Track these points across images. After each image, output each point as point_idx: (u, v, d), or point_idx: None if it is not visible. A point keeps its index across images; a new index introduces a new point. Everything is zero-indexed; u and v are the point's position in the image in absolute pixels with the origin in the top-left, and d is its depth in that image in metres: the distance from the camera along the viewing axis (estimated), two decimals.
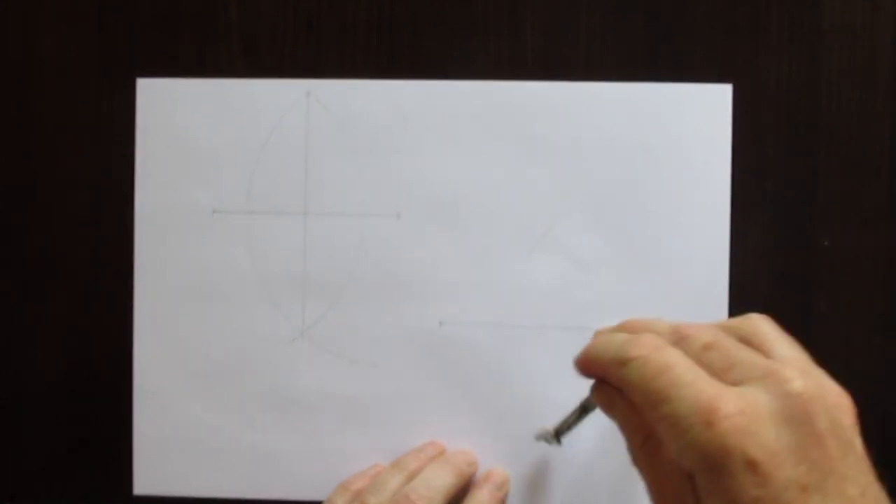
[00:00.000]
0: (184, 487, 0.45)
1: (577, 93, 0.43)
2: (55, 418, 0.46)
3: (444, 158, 0.44)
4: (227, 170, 0.45)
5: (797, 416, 0.25)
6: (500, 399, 0.44)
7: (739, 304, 0.43)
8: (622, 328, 0.33)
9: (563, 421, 0.38)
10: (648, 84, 0.43)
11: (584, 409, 0.37)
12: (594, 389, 0.32)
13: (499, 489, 0.43)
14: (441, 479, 0.41)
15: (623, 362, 0.28)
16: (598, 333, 0.33)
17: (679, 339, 0.29)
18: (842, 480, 0.25)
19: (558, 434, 0.39)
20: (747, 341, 0.29)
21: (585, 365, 0.32)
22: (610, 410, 0.31)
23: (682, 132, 0.43)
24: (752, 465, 0.24)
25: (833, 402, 0.26)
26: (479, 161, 0.44)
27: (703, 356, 0.28)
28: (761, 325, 0.30)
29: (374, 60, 0.44)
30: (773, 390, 0.26)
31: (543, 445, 0.40)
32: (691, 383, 0.26)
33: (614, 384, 0.30)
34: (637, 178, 0.43)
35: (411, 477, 0.42)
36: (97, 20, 0.45)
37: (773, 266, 0.43)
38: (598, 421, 0.43)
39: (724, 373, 0.27)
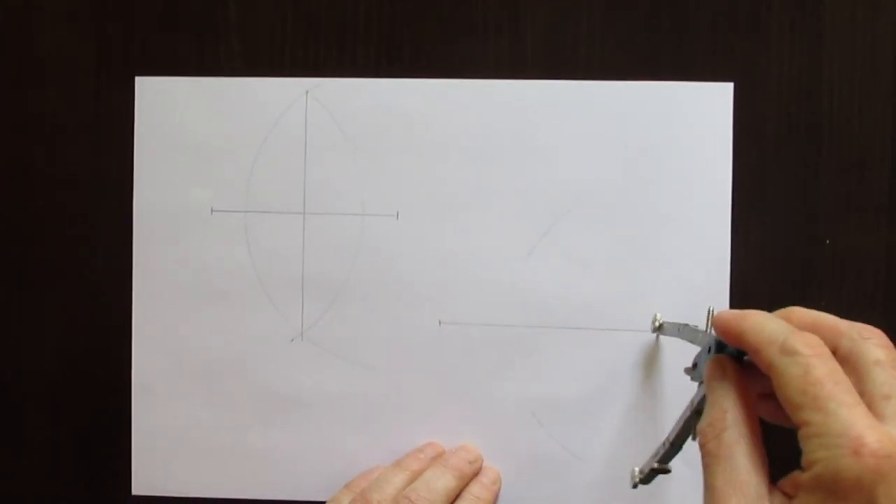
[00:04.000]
0: (182, 487, 0.45)
1: (577, 92, 0.43)
2: (54, 418, 0.46)
3: (443, 158, 0.44)
4: (225, 168, 0.44)
5: None
6: (500, 399, 0.44)
7: (741, 303, 0.43)
8: (782, 314, 0.32)
9: (656, 456, 0.37)
10: (649, 83, 0.43)
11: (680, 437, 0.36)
12: (713, 359, 0.32)
13: (493, 483, 0.43)
14: (442, 481, 0.41)
15: (785, 351, 0.28)
16: (752, 313, 0.32)
17: (855, 335, 0.29)
18: None
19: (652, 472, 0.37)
20: None
21: (731, 329, 0.31)
22: (716, 380, 0.31)
23: (684, 131, 0.43)
24: None
25: None
26: (479, 161, 0.44)
27: (871, 369, 0.28)
28: None
29: (373, 59, 0.44)
30: None
31: (540, 447, 0.42)
32: (850, 406, 0.26)
33: (761, 363, 0.29)
34: (638, 178, 0.43)
35: (413, 476, 0.42)
36: (96, 18, 0.45)
37: (775, 265, 0.43)
38: (598, 423, 0.43)
39: (880, 399, 0.27)
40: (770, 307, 0.42)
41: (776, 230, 0.43)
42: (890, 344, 0.29)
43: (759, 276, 0.43)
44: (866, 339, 0.29)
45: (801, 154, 0.43)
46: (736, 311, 0.32)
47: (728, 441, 0.29)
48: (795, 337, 0.28)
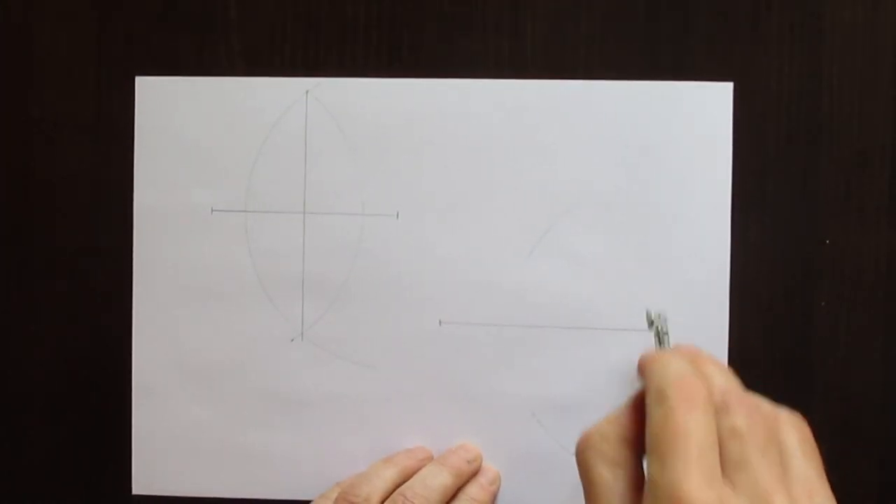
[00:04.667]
0: (182, 487, 0.45)
1: (577, 92, 0.43)
2: (54, 418, 0.46)
3: (444, 158, 0.44)
4: (226, 169, 0.44)
5: None
6: (500, 399, 0.44)
7: (740, 303, 0.43)
8: (688, 354, 0.32)
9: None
10: (649, 83, 0.43)
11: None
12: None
13: (491, 483, 0.43)
14: (439, 479, 0.41)
15: (658, 396, 0.28)
16: (664, 355, 0.32)
17: (721, 404, 0.29)
18: None
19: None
20: (772, 439, 0.28)
21: (639, 367, 0.32)
22: (627, 404, 0.32)
23: (683, 131, 0.43)
24: None
25: None
26: (479, 161, 0.44)
27: (727, 439, 0.28)
28: (795, 432, 0.29)
29: (373, 59, 0.44)
30: None
31: (540, 447, 0.42)
32: (688, 463, 0.26)
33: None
34: (637, 178, 0.43)
35: (404, 472, 0.42)
36: (96, 18, 0.45)
37: (774, 265, 0.43)
38: None
39: (733, 467, 0.27)
40: (770, 307, 0.43)
41: (776, 230, 0.43)
42: (755, 415, 0.29)
43: (759, 276, 0.43)
44: (731, 409, 0.28)
45: (801, 154, 0.43)
46: (657, 352, 0.32)
47: (586, 460, 0.30)
48: (673, 383, 0.28)
